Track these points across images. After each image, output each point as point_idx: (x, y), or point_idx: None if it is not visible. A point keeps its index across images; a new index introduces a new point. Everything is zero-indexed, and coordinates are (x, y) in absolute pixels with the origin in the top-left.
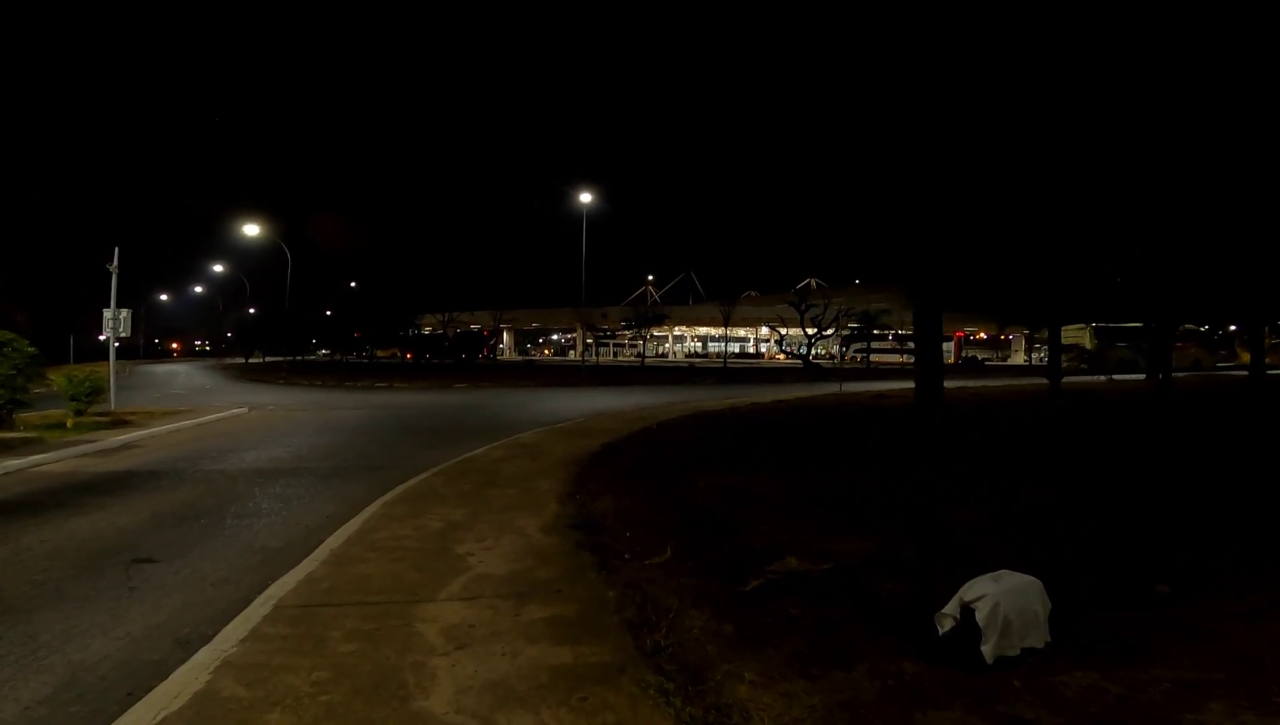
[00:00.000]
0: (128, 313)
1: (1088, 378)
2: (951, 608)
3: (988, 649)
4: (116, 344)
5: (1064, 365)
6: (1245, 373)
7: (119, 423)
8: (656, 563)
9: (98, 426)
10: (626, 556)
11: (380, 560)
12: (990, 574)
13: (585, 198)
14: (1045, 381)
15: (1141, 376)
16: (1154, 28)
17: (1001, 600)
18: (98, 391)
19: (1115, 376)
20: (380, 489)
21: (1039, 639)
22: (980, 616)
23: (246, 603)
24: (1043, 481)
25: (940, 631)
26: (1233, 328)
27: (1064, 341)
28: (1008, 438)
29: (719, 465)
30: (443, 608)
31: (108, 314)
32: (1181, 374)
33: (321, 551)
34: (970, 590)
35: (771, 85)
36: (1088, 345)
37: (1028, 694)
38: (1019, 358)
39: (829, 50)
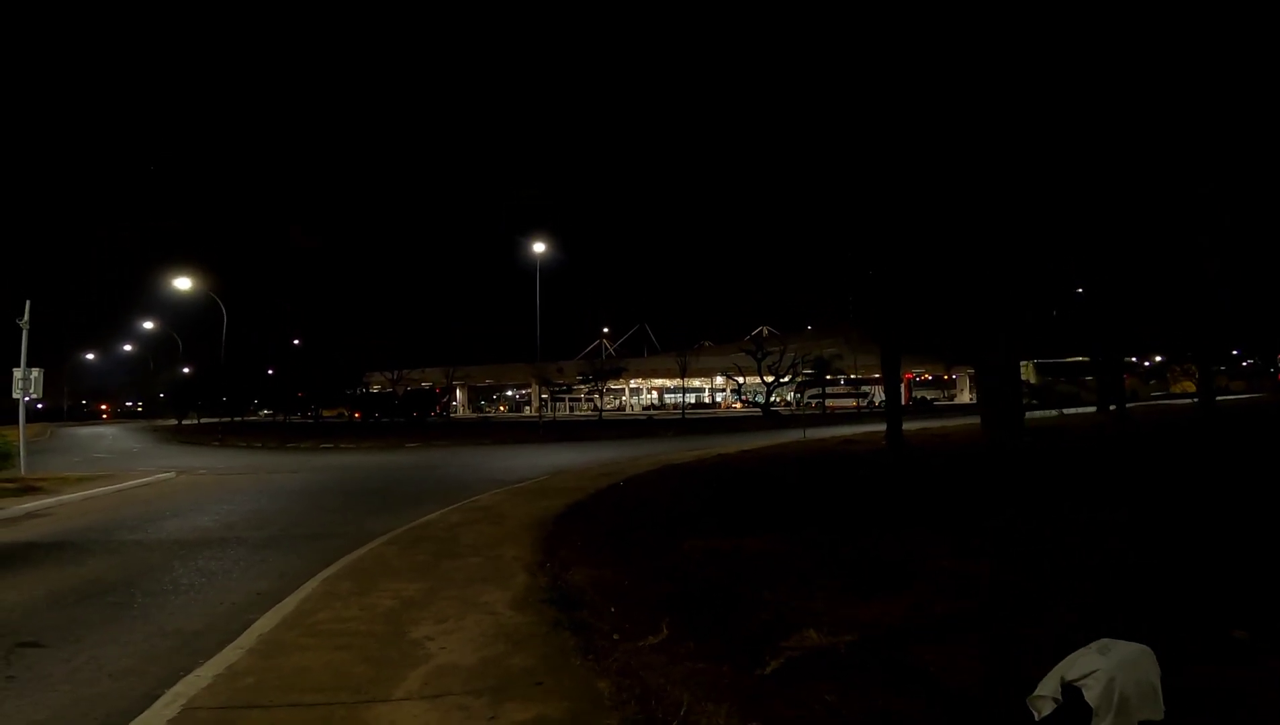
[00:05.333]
0: (39, 372)
1: (1039, 413)
2: (1049, 688)
3: None
4: (40, 404)
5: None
6: (1179, 401)
7: (27, 489)
8: (652, 643)
9: (2, 493)
10: (615, 637)
11: (320, 648)
12: (1093, 645)
13: (538, 248)
14: None
15: (1088, 409)
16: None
17: (1117, 675)
18: (3, 456)
19: (1065, 411)
20: (322, 562)
21: (1156, 712)
22: (1092, 695)
23: (151, 700)
24: (1059, 527)
25: (1037, 716)
26: (1159, 358)
27: None
28: (994, 478)
29: (702, 526)
30: (400, 710)
31: (17, 373)
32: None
33: (248, 637)
34: (1073, 667)
35: (722, 141)
36: (1033, 381)
37: None
38: (965, 396)
39: (781, 106)
